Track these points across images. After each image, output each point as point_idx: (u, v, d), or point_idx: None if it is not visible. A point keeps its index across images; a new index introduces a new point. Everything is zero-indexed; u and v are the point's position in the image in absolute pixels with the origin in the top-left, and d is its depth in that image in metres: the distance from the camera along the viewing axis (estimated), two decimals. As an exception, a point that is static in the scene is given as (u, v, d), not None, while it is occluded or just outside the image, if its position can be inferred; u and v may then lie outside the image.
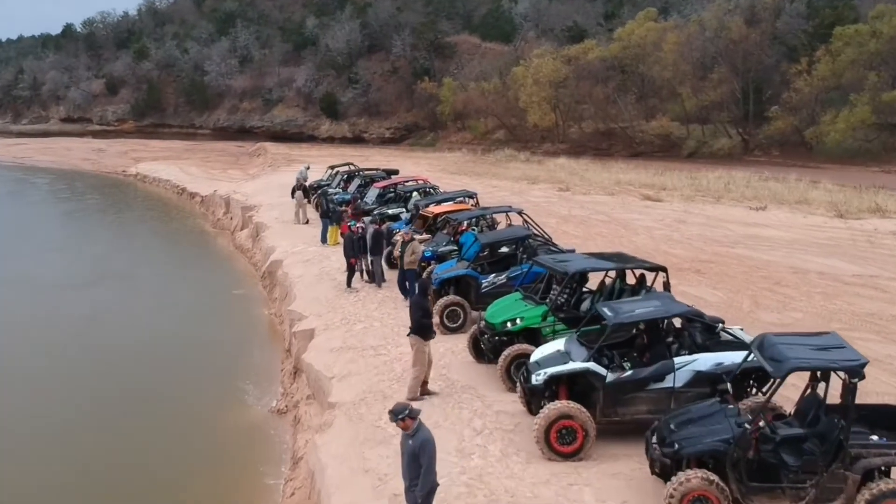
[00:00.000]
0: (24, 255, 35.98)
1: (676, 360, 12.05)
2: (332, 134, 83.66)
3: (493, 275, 18.51)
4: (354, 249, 22.36)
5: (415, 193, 29.20)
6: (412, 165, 53.41)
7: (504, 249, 20.17)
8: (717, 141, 61.31)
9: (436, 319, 16.68)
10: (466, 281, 18.59)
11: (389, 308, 20.37)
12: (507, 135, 71.55)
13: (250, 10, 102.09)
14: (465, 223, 22.84)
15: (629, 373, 12.00)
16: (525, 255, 18.78)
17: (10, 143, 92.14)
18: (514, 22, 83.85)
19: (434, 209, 24.90)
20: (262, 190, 42.30)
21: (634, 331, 13.07)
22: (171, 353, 22.81)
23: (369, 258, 22.69)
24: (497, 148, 66.27)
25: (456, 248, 21.84)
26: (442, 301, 18.10)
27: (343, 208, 29.06)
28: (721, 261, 24.57)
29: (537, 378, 12.22)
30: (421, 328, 13.98)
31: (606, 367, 12.06)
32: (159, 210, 49.61)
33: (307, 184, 36.17)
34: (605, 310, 12.54)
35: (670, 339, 12.81)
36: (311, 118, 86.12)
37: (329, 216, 27.87)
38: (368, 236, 22.55)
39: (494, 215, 23.74)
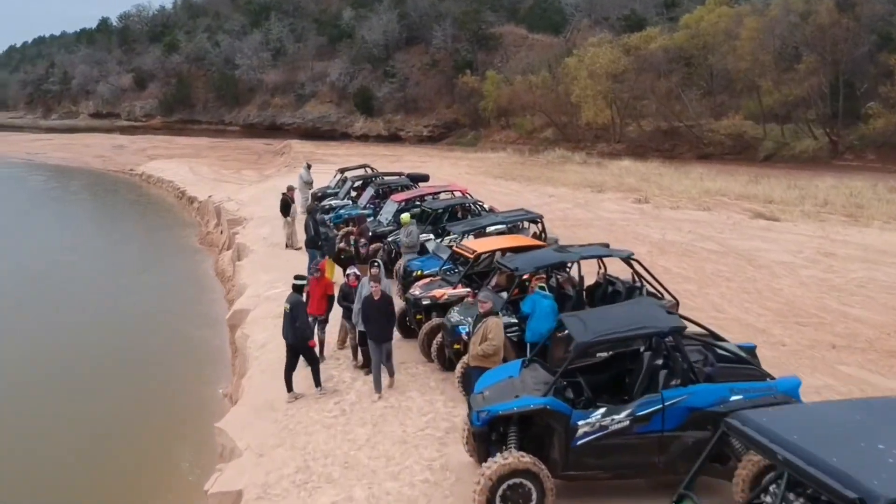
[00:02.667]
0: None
1: None
2: (367, 132, 73.65)
3: (602, 410, 8.45)
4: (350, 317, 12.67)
5: (405, 218, 18.45)
6: (450, 167, 43.40)
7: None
8: (800, 142, 50.37)
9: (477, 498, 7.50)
10: (545, 420, 8.57)
11: (392, 440, 10.44)
12: (557, 133, 61.08)
13: (285, 3, 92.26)
14: (530, 272, 12.63)
15: None
16: (662, 362, 8.69)
17: (32, 139, 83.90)
18: (563, 12, 73.47)
19: (476, 244, 14.69)
20: (262, 196, 32.54)
21: None
22: (62, 441, 14.47)
23: (356, 330, 12.91)
24: (546, 148, 56.10)
25: (515, 320, 11.81)
26: (493, 466, 8.12)
27: (339, 232, 19.24)
28: (951, 336, 14.20)
29: None
30: None
31: None
32: (149, 217, 40.18)
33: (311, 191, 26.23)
34: None
35: None
36: (345, 115, 76.28)
37: (318, 245, 17.82)
38: (361, 293, 12.64)
39: (581, 259, 13.15)
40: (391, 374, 12.35)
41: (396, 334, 13.55)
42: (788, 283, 18.01)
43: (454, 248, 14.92)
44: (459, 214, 19.91)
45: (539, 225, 16.90)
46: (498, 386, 9.17)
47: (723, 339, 9.61)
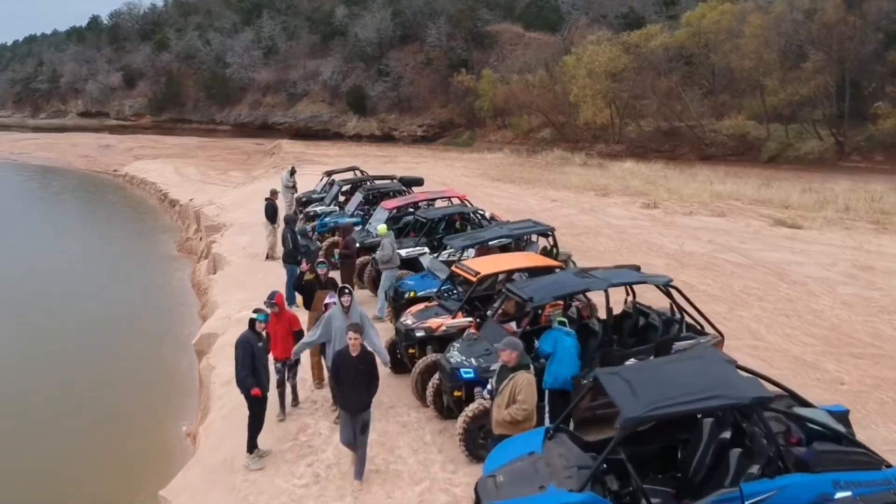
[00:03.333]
0: None
1: None
2: (360, 131, 71.13)
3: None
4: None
5: (381, 229, 15.96)
6: (445, 169, 41.10)
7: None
8: (805, 143, 48.24)
9: None
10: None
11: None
12: (554, 133, 58.80)
13: (278, 0, 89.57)
14: (548, 303, 10.34)
15: None
16: (731, 435, 6.39)
17: (18, 139, 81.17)
18: (560, 10, 71.20)
19: (479, 264, 12.35)
20: (246, 200, 30.18)
21: None
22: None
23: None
24: (544, 148, 53.87)
25: (527, 361, 9.42)
26: None
27: (323, 244, 16.95)
28: None
29: None
30: None
31: None
32: (128, 221, 37.80)
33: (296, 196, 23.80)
34: None
35: None
36: (338, 114, 73.79)
37: (298, 260, 15.47)
38: (330, 332, 10.36)
39: (610, 287, 10.57)
40: (361, 458, 9.23)
41: (385, 370, 11.25)
42: (829, 302, 15.76)
43: (453, 268, 12.59)
44: (458, 224, 17.57)
45: (550, 238, 14.55)
46: (516, 467, 6.87)
47: (808, 403, 7.31)
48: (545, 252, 14.36)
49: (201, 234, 28.24)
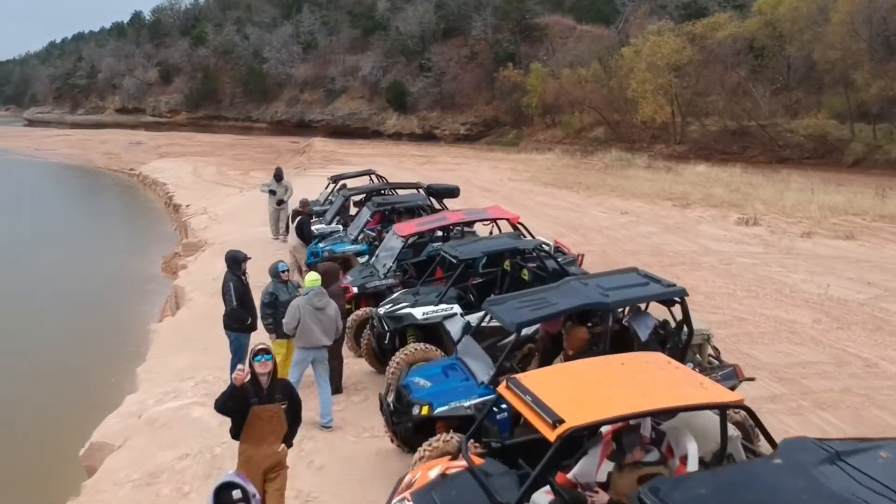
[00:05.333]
0: None
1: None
2: (400, 129, 65.47)
3: None
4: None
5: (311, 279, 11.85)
6: (489, 171, 34.83)
7: None
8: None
9: None
10: None
11: None
12: (608, 132, 52.41)
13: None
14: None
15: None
16: None
17: (50, 135, 77.11)
18: (614, 1, 64.56)
19: (561, 402, 5.79)
20: (248, 207, 24.31)
21: None
22: None
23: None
24: (598, 148, 47.47)
25: None
26: None
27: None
28: None
29: None
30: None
31: None
32: (122, 229, 32.06)
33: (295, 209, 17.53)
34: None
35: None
36: (377, 111, 68.26)
37: (248, 325, 9.22)
38: None
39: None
40: None
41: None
42: None
43: (503, 389, 6.04)
44: (506, 265, 10.85)
45: (679, 306, 7.81)
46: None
47: None
48: (660, 335, 7.78)
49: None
